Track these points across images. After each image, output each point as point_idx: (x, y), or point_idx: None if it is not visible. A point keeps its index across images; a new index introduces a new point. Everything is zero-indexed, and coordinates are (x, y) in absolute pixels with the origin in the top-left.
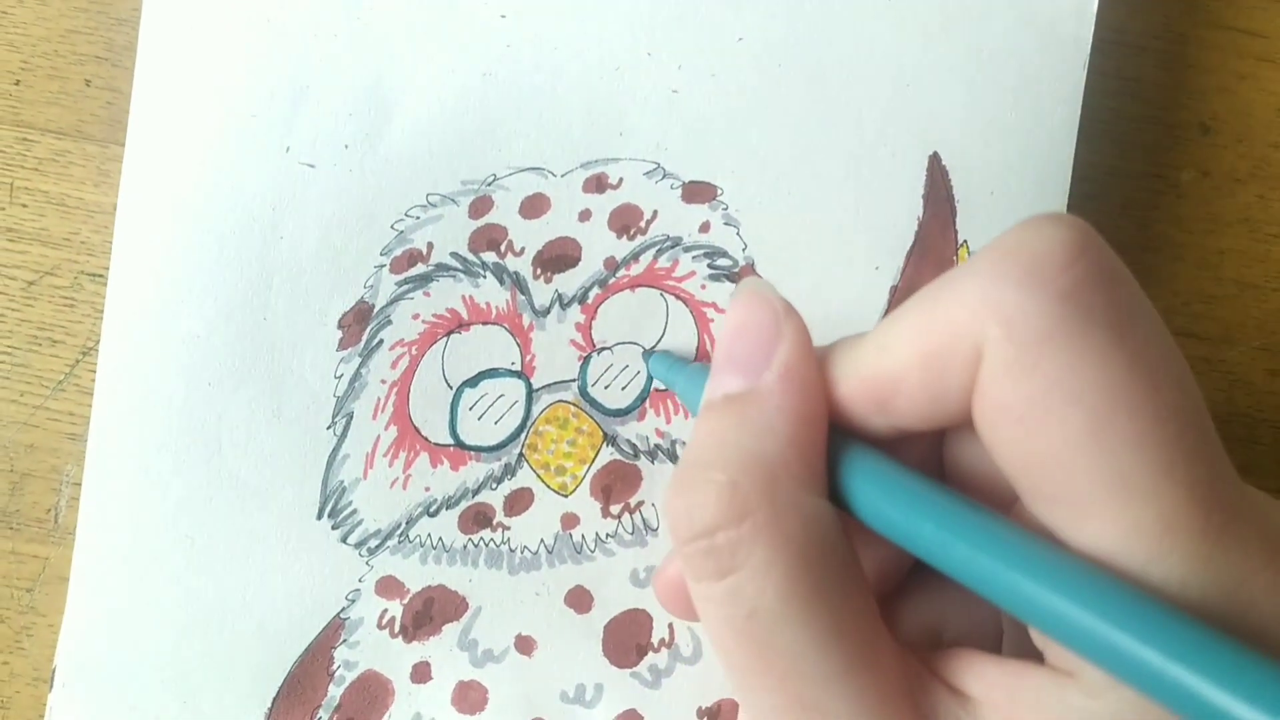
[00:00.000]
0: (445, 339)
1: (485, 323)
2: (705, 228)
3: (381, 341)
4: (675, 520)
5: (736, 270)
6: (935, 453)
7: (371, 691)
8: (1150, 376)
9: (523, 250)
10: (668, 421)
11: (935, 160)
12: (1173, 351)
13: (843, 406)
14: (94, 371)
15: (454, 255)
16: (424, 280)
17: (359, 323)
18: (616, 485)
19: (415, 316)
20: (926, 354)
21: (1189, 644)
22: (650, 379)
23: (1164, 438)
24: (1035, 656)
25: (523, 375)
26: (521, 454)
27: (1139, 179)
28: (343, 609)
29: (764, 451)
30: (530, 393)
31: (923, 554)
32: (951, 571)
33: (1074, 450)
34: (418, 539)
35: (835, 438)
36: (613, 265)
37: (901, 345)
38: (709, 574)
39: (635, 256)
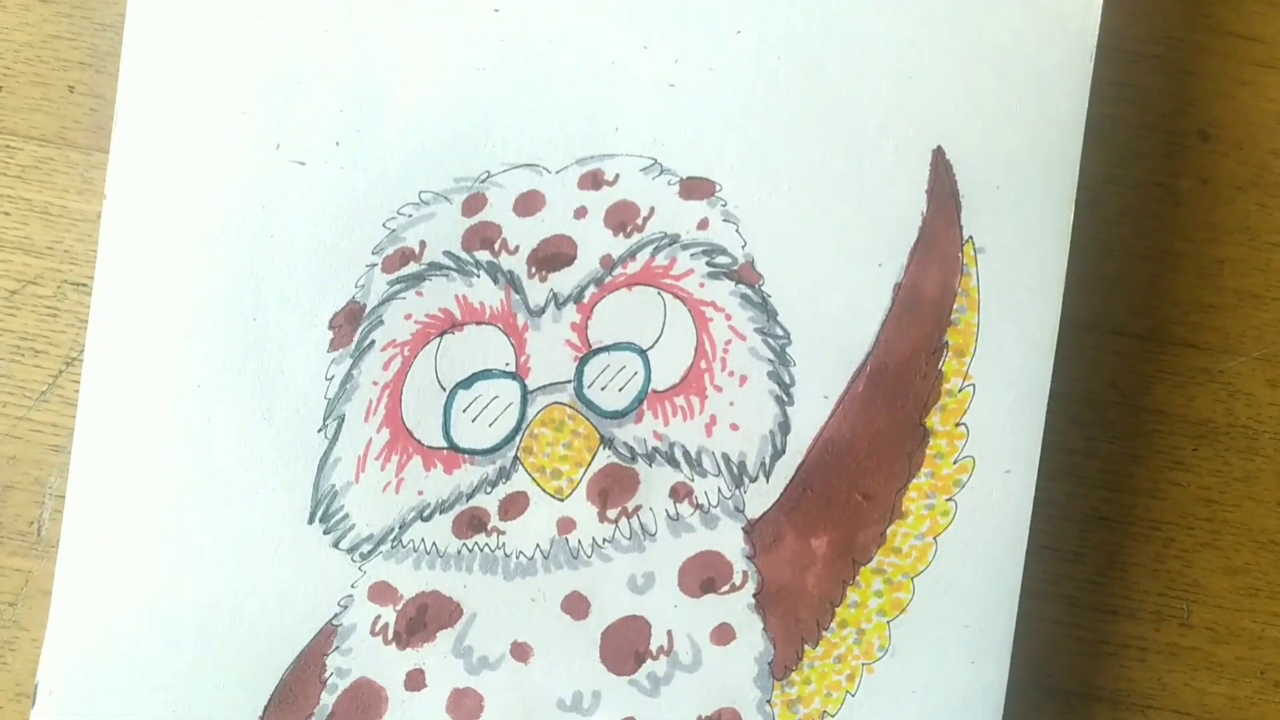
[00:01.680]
0: (438, 339)
1: (479, 323)
2: (704, 224)
3: (373, 342)
4: None
5: (736, 268)
6: None
7: (364, 699)
8: None
9: (517, 248)
10: (666, 424)
11: (939, 154)
12: None
13: None
14: (78, 382)
15: (447, 254)
16: (416, 279)
17: (350, 323)
18: (614, 489)
19: (408, 316)
20: None
21: None
22: (648, 379)
23: None
24: None
25: (517, 376)
26: (516, 457)
27: (1137, 187)
28: (335, 615)
29: None
30: (525, 394)
31: None
32: None
33: None
34: (411, 544)
35: None
36: (609, 263)
37: None
38: None
39: (632, 254)
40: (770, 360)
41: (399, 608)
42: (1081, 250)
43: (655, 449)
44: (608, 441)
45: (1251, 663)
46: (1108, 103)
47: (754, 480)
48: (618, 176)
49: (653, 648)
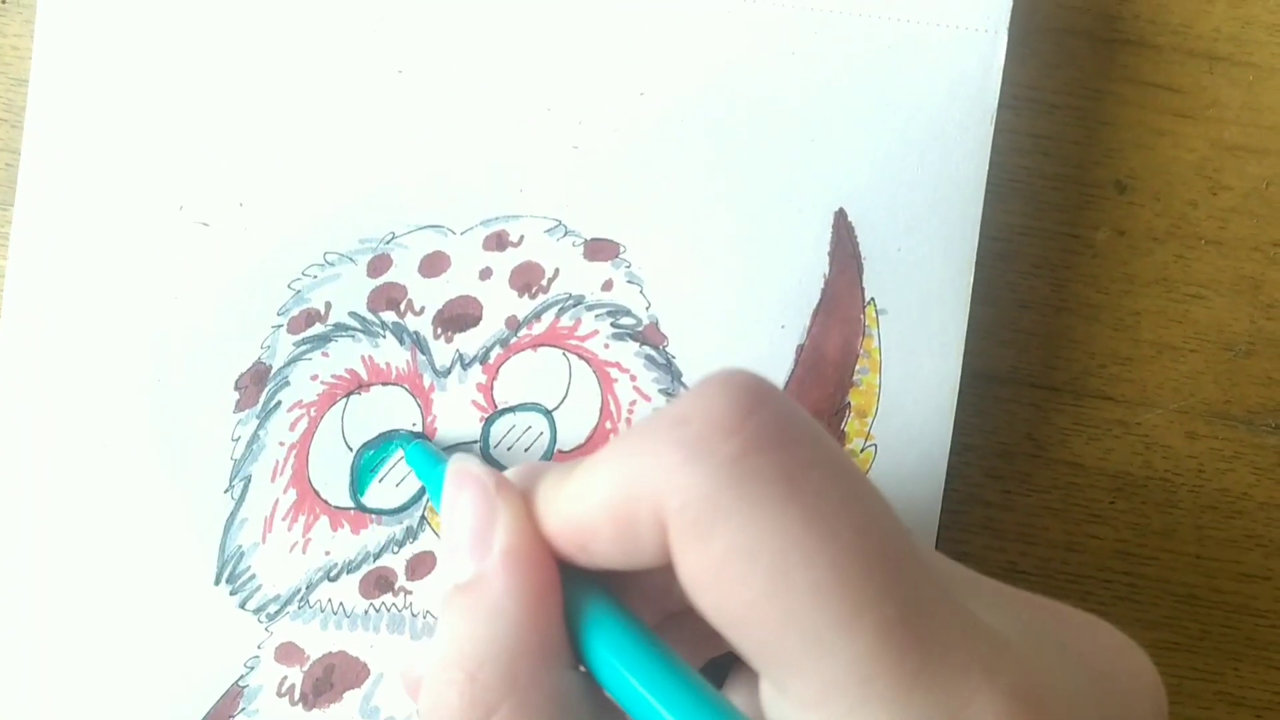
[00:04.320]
0: (345, 400)
1: (385, 383)
2: (608, 286)
3: (280, 403)
4: None
5: (640, 329)
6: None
7: None
8: (826, 525)
9: (423, 309)
10: None
11: (841, 216)
12: (854, 493)
13: (552, 544)
14: None
15: (353, 315)
16: (322, 340)
17: (256, 384)
18: None
19: (314, 377)
20: (617, 513)
21: None
22: (554, 440)
23: (845, 585)
24: None
25: (424, 437)
26: (423, 517)
27: (1053, 238)
28: (241, 676)
29: (498, 638)
30: None
31: None
32: None
33: (762, 612)
34: (318, 604)
35: (576, 594)
36: (514, 324)
37: (595, 498)
38: None
39: (537, 315)
40: None
41: (306, 668)
42: (996, 302)
43: None
44: None
45: (1173, 716)
46: (1023, 154)
47: None
48: (522, 238)
49: None
